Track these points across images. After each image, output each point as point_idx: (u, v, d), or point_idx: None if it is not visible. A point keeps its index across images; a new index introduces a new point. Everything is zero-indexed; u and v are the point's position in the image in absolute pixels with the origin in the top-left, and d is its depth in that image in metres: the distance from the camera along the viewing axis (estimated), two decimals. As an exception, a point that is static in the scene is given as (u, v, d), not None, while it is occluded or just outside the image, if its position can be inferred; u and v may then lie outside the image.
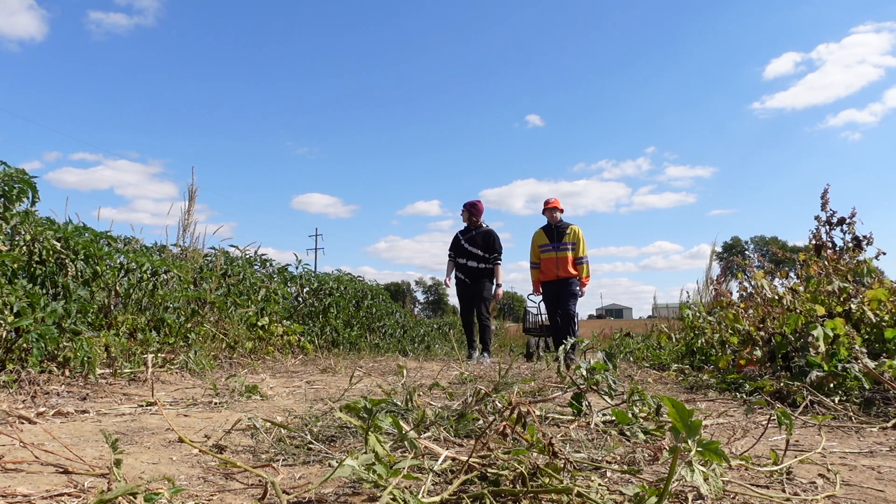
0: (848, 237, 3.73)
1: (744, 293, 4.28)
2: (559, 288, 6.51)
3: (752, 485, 1.15)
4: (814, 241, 3.84)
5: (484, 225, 6.79)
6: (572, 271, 6.49)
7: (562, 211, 6.73)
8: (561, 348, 2.25)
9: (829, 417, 2.01)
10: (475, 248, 6.59)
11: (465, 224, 6.77)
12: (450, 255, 6.74)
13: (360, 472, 0.94)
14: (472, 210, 6.71)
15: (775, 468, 1.23)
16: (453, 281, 6.77)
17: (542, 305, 7.76)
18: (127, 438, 1.56)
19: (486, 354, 6.48)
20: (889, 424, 1.94)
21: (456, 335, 11.81)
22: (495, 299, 6.69)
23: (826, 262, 3.60)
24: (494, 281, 6.61)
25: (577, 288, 6.53)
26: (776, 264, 4.29)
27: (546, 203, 6.87)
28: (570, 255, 6.49)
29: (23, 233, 2.85)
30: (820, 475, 1.27)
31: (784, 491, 1.14)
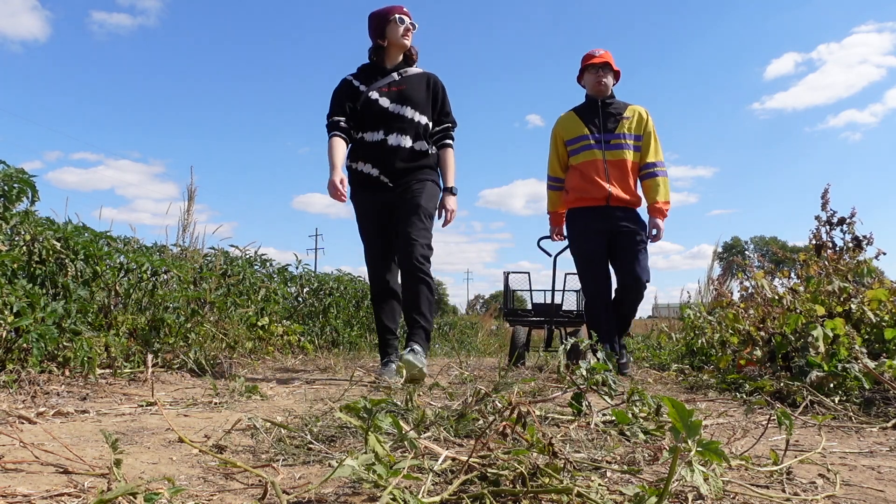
0: (848, 237, 3.73)
1: (744, 293, 4.28)
2: (612, 222, 3.43)
3: (752, 485, 1.14)
4: (814, 241, 3.84)
5: (415, 62, 3.25)
6: (636, 191, 3.54)
7: (617, 77, 3.61)
8: (561, 348, 2.21)
9: (829, 417, 2.01)
10: (408, 106, 3.08)
11: (378, 59, 3.21)
12: (336, 127, 3.12)
13: (360, 472, 0.94)
14: (392, 19, 3.09)
15: (775, 468, 1.23)
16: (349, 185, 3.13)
17: (561, 274, 4.69)
18: (127, 438, 1.56)
19: (418, 347, 2.89)
20: (889, 424, 1.93)
21: (456, 335, 11.47)
22: (446, 218, 3.12)
23: (826, 262, 3.59)
24: (443, 180, 3.19)
25: (645, 229, 3.52)
26: (776, 264, 4.29)
27: (587, 57, 3.57)
28: (629, 156, 3.46)
29: (23, 233, 2.85)
30: (820, 475, 1.27)
31: (784, 491, 1.14)
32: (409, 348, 2.89)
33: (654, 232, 3.54)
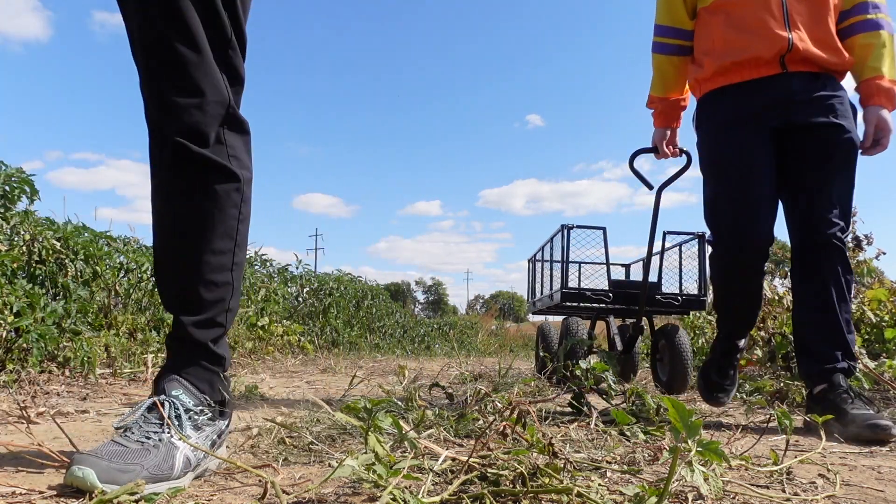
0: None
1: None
2: (790, 106, 1.78)
3: (752, 485, 1.14)
4: (814, 241, 3.84)
5: None
6: (840, 50, 1.79)
7: None
8: (560, 347, 2.19)
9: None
10: None
11: None
12: None
13: (360, 472, 0.94)
14: None
15: (775, 468, 1.23)
16: None
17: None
18: (127, 438, 1.56)
19: (185, 396, 1.08)
20: (889, 424, 1.93)
21: (456, 334, 11.49)
22: None
23: (826, 262, 3.59)
24: None
25: (854, 131, 1.80)
26: (776, 264, 4.29)
27: None
28: None
29: (22, 233, 2.85)
30: (820, 475, 1.27)
31: (784, 491, 1.14)
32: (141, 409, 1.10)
33: (877, 133, 1.88)
